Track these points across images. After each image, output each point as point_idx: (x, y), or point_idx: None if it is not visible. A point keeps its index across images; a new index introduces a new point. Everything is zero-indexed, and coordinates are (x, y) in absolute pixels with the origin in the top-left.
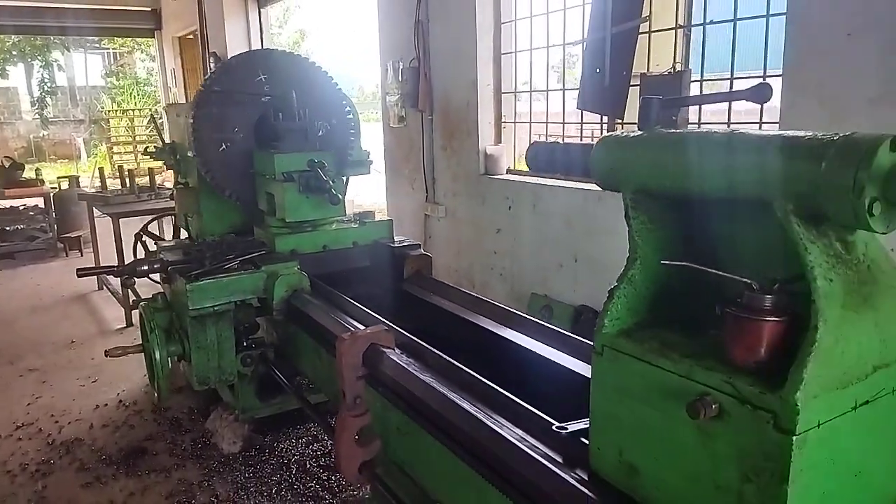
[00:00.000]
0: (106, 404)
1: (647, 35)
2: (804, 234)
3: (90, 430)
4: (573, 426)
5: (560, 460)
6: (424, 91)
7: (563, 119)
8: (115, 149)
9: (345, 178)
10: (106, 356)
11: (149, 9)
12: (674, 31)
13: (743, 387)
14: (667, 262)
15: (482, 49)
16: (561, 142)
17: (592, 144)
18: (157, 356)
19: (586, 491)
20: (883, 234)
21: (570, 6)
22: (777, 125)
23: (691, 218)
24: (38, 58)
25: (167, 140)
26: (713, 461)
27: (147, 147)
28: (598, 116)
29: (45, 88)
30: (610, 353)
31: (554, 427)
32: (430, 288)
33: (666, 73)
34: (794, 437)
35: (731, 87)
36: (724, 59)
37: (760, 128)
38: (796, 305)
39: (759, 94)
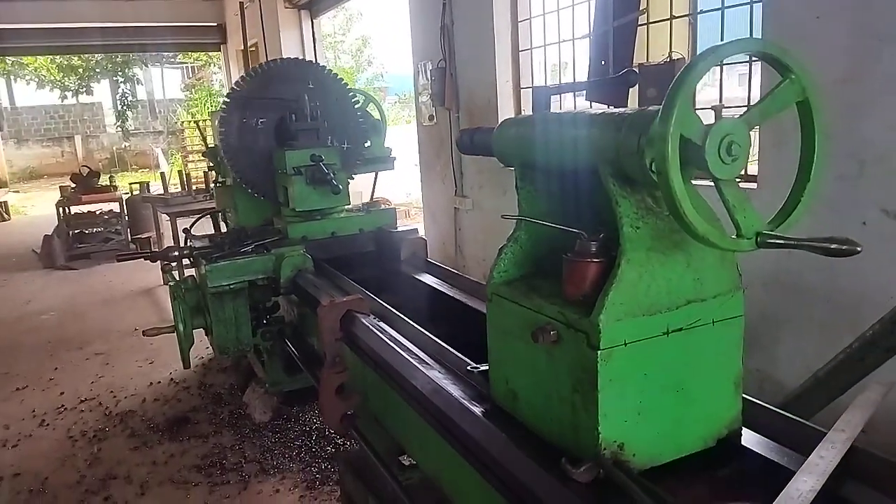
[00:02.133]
0: (159, 382)
1: (646, 27)
2: (617, 192)
3: (142, 404)
4: (482, 367)
5: (469, 394)
6: (450, 90)
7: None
8: (190, 157)
9: (352, 172)
10: (144, 336)
11: (214, 24)
12: (669, 21)
13: (570, 315)
14: (506, 216)
15: (500, 47)
16: (483, 126)
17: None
18: (182, 328)
19: (481, 416)
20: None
21: (578, 1)
22: None
23: (565, 185)
24: (120, 74)
25: (210, 144)
26: (557, 378)
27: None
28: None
29: (126, 102)
30: (496, 299)
31: (468, 368)
32: (422, 267)
33: (662, 62)
34: (600, 352)
35: (720, 74)
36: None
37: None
38: (613, 249)
39: (626, 79)
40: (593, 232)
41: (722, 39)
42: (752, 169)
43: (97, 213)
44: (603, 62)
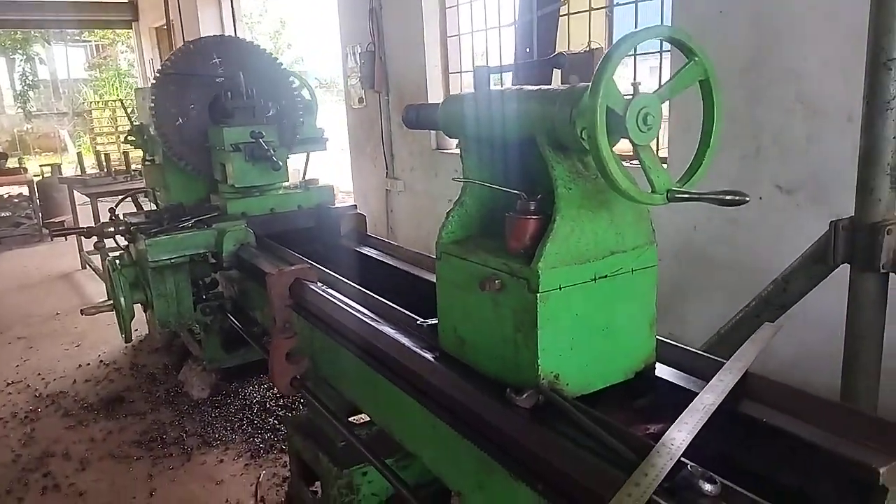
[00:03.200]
0: (88, 364)
1: (567, 17)
2: (553, 158)
3: (73, 385)
4: (431, 321)
5: (419, 345)
6: (380, 73)
7: None
8: (99, 139)
9: (289, 151)
10: (81, 314)
11: (126, 0)
12: (588, 13)
13: (513, 266)
14: (456, 179)
15: (429, 33)
16: (427, 103)
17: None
18: (123, 303)
19: (433, 360)
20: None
21: None
22: None
23: (506, 154)
24: (19, 52)
25: (135, 122)
26: (501, 321)
27: (127, 135)
28: None
29: (27, 82)
30: (445, 257)
31: (417, 322)
32: (362, 241)
33: (581, 51)
34: (538, 295)
35: (634, 64)
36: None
37: None
38: (549, 208)
39: (557, 62)
40: (531, 194)
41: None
42: (663, 153)
43: (6, 196)
44: (528, 49)
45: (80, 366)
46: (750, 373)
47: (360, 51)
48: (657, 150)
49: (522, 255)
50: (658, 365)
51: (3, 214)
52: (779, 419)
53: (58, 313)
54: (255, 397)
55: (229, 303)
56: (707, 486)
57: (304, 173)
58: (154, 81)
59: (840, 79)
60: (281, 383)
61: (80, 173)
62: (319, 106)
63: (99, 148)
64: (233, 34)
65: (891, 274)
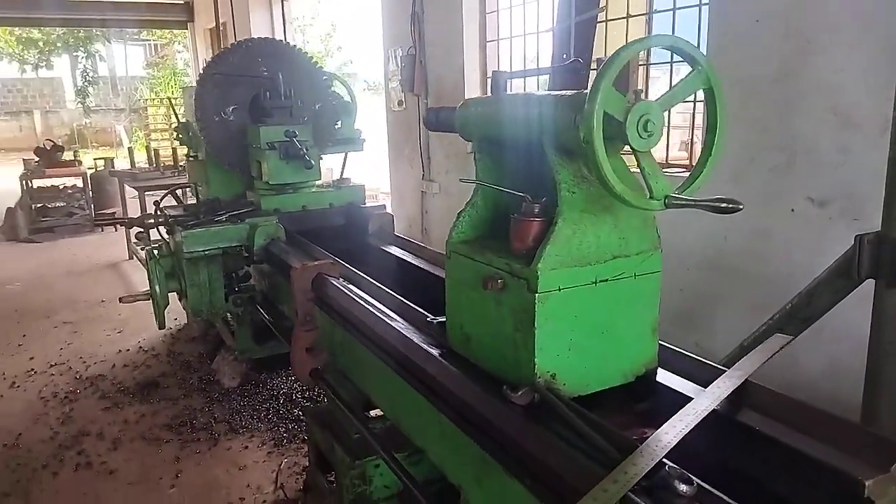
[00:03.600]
0: (128, 349)
1: (605, 24)
2: (557, 162)
3: (112, 369)
4: (440, 319)
5: (427, 341)
6: (420, 76)
7: None
8: (153, 135)
9: (323, 150)
10: (120, 302)
11: (182, 1)
12: (626, 19)
13: (514, 265)
14: (463, 180)
15: (468, 36)
16: (447, 106)
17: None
18: (157, 290)
19: (438, 356)
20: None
21: None
22: (702, 103)
23: (516, 156)
24: (81, 49)
25: (182, 119)
26: (502, 320)
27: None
28: None
29: (88, 78)
30: (454, 256)
31: (427, 319)
32: (388, 240)
33: None
34: (537, 295)
35: (671, 72)
36: None
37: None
38: (553, 211)
39: (573, 69)
40: (537, 196)
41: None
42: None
43: (60, 187)
44: (564, 55)
45: (120, 351)
46: (751, 382)
47: (401, 54)
48: (690, 158)
49: (525, 256)
50: (660, 370)
51: (57, 204)
52: (774, 428)
53: (103, 300)
54: (283, 388)
55: (259, 295)
56: (683, 487)
57: (342, 173)
58: (198, 81)
59: (874, 90)
60: (301, 373)
61: (130, 167)
62: (366, 108)
63: (153, 144)
64: (282, 37)
65: None
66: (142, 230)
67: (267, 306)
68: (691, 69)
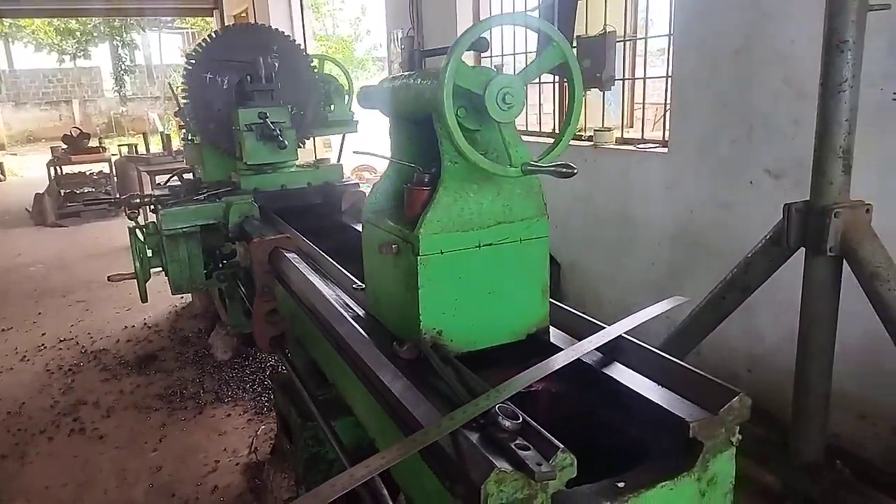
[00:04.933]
0: (133, 326)
1: (586, 1)
2: (442, 134)
3: (116, 344)
4: (362, 285)
5: (349, 306)
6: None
7: (539, 79)
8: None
9: (308, 132)
10: (109, 281)
11: None
12: None
13: (405, 232)
14: (357, 151)
15: (461, 15)
16: (373, 85)
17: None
18: (139, 265)
19: (350, 319)
20: (476, 130)
21: None
22: (669, 78)
23: (420, 131)
24: (117, 38)
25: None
26: (398, 282)
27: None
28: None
29: (124, 67)
30: (366, 225)
31: (353, 286)
32: (359, 217)
33: (597, 35)
34: (419, 258)
35: (645, 47)
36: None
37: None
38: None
39: (480, 45)
40: (429, 168)
41: (646, 16)
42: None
43: (87, 173)
44: None
45: (125, 327)
46: (627, 339)
47: (401, 35)
48: (663, 133)
49: (414, 223)
50: (553, 329)
51: (85, 189)
52: (632, 379)
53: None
54: (270, 361)
55: (243, 272)
56: (507, 423)
57: (340, 155)
58: (186, 66)
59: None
60: (261, 342)
61: (146, 152)
62: None
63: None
64: (301, 22)
65: None
66: (131, 210)
67: (249, 282)
68: (548, 45)
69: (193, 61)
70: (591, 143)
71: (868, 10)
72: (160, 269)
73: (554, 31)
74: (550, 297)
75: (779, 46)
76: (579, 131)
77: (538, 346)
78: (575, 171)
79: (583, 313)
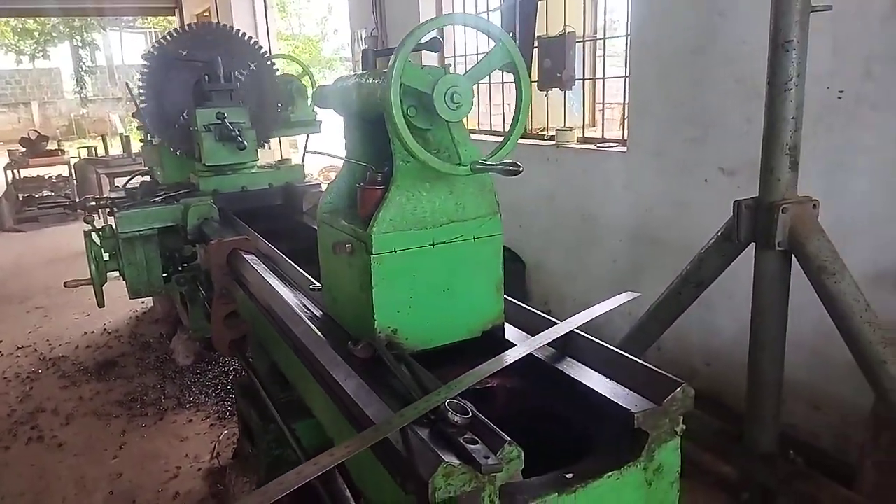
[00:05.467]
0: (93, 332)
1: (545, 1)
2: (393, 133)
3: (75, 350)
4: (319, 286)
5: (307, 307)
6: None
7: (501, 78)
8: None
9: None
10: (65, 287)
11: None
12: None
13: (359, 231)
14: (310, 152)
15: (424, 15)
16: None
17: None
18: (94, 269)
19: (306, 320)
20: (427, 129)
21: None
22: (627, 79)
23: (374, 130)
24: (77, 38)
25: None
26: (352, 281)
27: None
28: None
29: (84, 68)
30: (321, 224)
31: (310, 287)
32: None
33: (557, 35)
34: (373, 257)
35: (604, 47)
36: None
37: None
38: None
39: (433, 45)
40: (382, 167)
41: (605, 14)
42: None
43: (46, 177)
44: (511, 33)
45: (85, 333)
46: (578, 333)
47: (364, 35)
48: (623, 132)
49: (367, 222)
50: (508, 326)
51: (43, 193)
52: (581, 372)
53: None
54: (234, 365)
55: (203, 275)
56: (456, 418)
57: (304, 156)
58: (143, 67)
59: None
60: (220, 345)
61: (105, 155)
62: None
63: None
64: (265, 21)
65: None
66: (86, 213)
67: (210, 285)
68: (494, 45)
69: (150, 61)
70: (554, 142)
71: (811, 12)
72: (117, 273)
73: (500, 32)
74: (515, 296)
75: (731, 47)
76: (542, 130)
77: (493, 343)
78: (521, 169)
79: (547, 311)
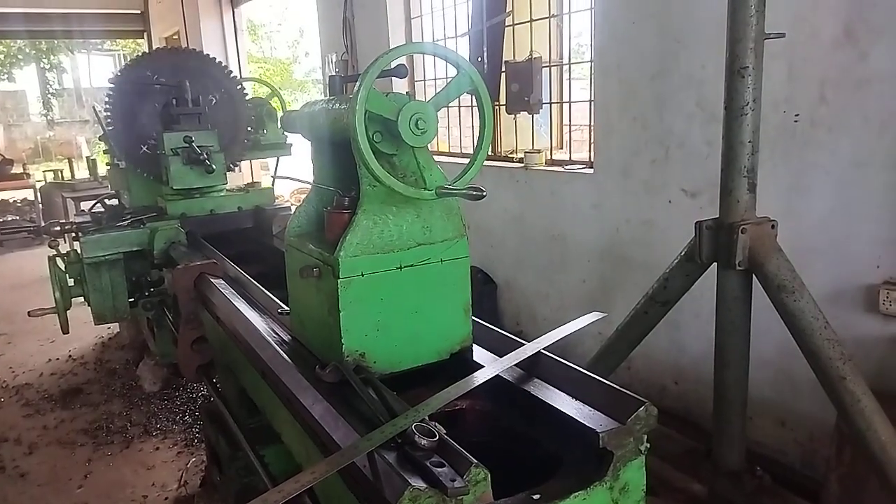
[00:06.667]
0: (58, 358)
1: (512, 27)
2: (358, 158)
3: (39, 377)
4: (287, 309)
5: (274, 331)
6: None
7: (470, 102)
8: None
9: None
10: (29, 316)
11: (137, 11)
12: (529, 23)
13: (326, 255)
14: (277, 177)
15: (395, 41)
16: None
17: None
18: (59, 295)
19: (273, 344)
20: (392, 154)
21: (459, 1)
22: (592, 102)
23: (341, 155)
24: (44, 60)
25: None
26: (321, 305)
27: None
28: None
29: (51, 90)
30: (289, 248)
31: (278, 311)
32: None
33: (523, 60)
34: (340, 280)
35: (569, 72)
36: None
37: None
38: None
39: (399, 72)
40: (349, 191)
41: (569, 39)
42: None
43: (11, 201)
44: (479, 59)
45: (49, 360)
46: (546, 355)
47: (335, 59)
48: (590, 155)
49: (334, 246)
50: (477, 348)
51: (8, 218)
52: (547, 393)
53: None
54: (201, 391)
55: (171, 299)
56: (423, 441)
57: (274, 179)
58: (108, 90)
59: None
60: (187, 371)
61: (70, 178)
62: None
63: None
64: (234, 43)
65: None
66: (51, 238)
67: (177, 310)
68: (457, 73)
69: (115, 85)
70: (523, 164)
71: (765, 39)
72: (82, 298)
73: (462, 60)
74: (487, 316)
75: (692, 71)
76: (511, 153)
77: (462, 365)
78: (484, 194)
79: (519, 330)
